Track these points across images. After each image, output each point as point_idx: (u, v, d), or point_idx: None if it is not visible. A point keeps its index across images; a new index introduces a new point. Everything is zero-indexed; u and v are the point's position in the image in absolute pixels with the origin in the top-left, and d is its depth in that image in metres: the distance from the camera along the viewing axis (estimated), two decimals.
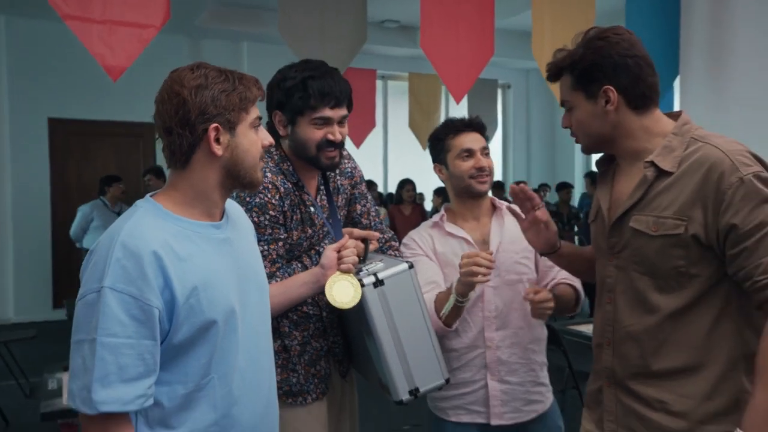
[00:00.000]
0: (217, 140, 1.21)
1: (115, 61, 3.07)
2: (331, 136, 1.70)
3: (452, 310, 1.75)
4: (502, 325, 1.88)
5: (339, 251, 1.62)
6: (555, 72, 1.48)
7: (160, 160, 7.22)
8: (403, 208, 6.76)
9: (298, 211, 1.74)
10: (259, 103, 1.32)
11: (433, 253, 1.92)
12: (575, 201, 8.55)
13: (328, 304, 1.63)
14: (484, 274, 1.66)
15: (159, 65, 6.34)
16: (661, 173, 1.37)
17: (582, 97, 1.43)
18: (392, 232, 1.98)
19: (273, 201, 1.69)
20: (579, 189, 8.88)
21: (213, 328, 1.19)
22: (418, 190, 7.22)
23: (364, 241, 1.73)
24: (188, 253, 1.19)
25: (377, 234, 1.82)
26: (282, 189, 1.71)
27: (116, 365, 1.09)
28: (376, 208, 1.99)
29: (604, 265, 1.50)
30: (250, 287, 1.31)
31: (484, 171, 1.90)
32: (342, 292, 1.59)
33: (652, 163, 1.38)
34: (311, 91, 1.66)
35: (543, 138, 9.88)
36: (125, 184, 6.33)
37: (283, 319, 1.73)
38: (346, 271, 1.60)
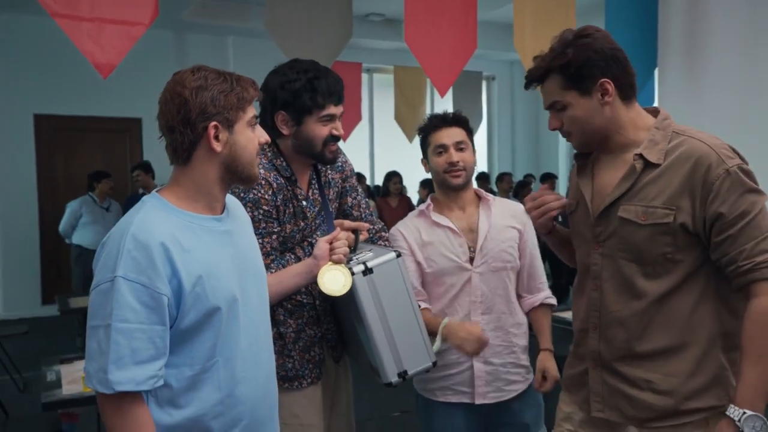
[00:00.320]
0: (217, 137, 1.29)
1: (104, 58, 3.09)
2: (335, 131, 1.80)
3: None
4: (487, 310, 1.98)
5: (331, 243, 1.70)
6: (541, 74, 1.50)
7: (147, 155, 7.24)
8: (390, 201, 6.81)
9: (290, 205, 1.82)
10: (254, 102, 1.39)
11: (419, 245, 2.01)
12: (560, 189, 8.63)
13: (320, 293, 1.71)
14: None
15: (144, 60, 6.37)
16: (648, 165, 1.45)
17: (576, 95, 1.46)
18: (382, 223, 2.06)
19: (266, 196, 1.76)
20: (563, 179, 8.98)
21: (217, 314, 1.28)
22: (404, 182, 7.27)
23: (355, 232, 1.81)
24: (192, 245, 1.27)
25: (367, 225, 1.90)
26: (275, 184, 1.79)
27: (129, 348, 1.18)
28: (366, 200, 2.07)
29: (588, 254, 1.55)
30: (249, 276, 1.40)
31: (456, 166, 1.98)
32: (333, 281, 1.66)
33: (641, 156, 1.45)
34: (320, 91, 1.75)
35: (527, 129, 9.95)
36: (112, 179, 6.33)
37: (279, 308, 1.81)
38: (337, 262, 1.68)
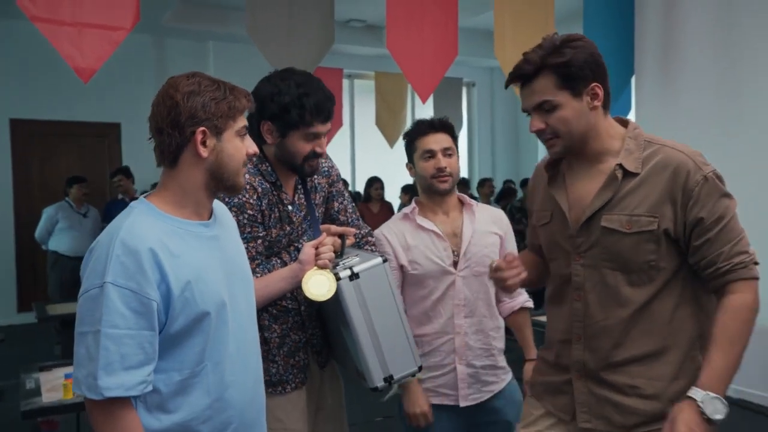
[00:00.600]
0: (204, 143, 1.29)
1: (85, 63, 3.07)
2: (318, 149, 1.80)
3: None
4: (470, 313, 2.01)
5: (317, 247, 1.71)
6: (533, 71, 1.45)
7: (126, 160, 7.17)
8: (371, 206, 6.81)
9: (276, 209, 1.82)
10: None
11: (404, 248, 2.03)
12: None
13: (306, 298, 1.71)
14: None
15: (123, 64, 6.29)
16: (626, 174, 1.47)
17: (568, 96, 1.45)
18: (368, 228, 2.07)
19: (251, 201, 1.76)
20: None
21: (206, 319, 1.28)
22: (385, 188, 7.28)
23: (341, 237, 1.82)
24: (181, 250, 1.27)
25: (354, 230, 1.91)
26: (260, 189, 1.79)
27: (119, 354, 1.18)
28: (353, 204, 2.08)
29: (567, 264, 1.55)
30: (237, 281, 1.40)
31: (443, 171, 2.01)
32: (318, 286, 1.67)
33: (621, 166, 1.47)
34: (308, 108, 1.74)
35: (507, 135, 10.05)
36: (90, 184, 6.22)
37: (264, 313, 1.81)
38: (322, 267, 1.69)
